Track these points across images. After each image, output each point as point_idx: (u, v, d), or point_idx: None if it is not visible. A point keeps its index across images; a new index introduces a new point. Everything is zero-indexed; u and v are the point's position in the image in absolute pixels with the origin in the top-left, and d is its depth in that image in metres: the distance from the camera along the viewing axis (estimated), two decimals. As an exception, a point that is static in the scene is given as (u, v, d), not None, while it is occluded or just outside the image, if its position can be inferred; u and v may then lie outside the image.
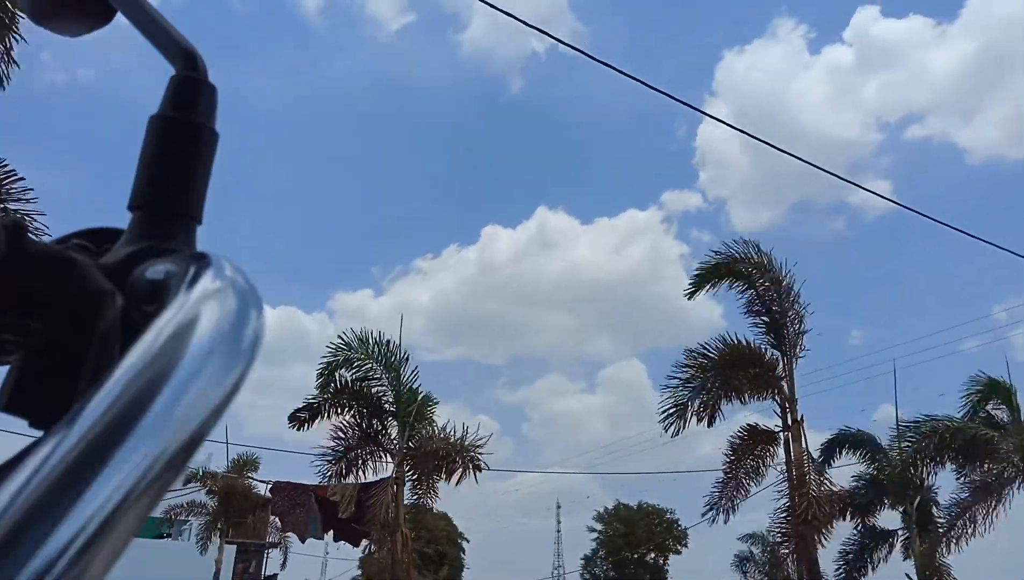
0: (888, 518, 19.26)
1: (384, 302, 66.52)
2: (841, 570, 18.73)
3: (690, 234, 78.83)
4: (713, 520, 15.91)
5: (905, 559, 18.73)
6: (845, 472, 18.37)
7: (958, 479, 16.89)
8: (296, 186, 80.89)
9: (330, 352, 16.11)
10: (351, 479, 16.04)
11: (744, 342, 15.31)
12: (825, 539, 14.74)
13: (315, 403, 15.90)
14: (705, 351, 15.34)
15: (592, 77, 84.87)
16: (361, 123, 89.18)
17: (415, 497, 16.00)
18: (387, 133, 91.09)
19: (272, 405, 60.53)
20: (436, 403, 16.69)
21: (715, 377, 15.03)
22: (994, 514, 15.91)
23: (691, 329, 67.11)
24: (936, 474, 17.07)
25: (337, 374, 16.06)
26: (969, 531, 16.13)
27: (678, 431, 15.20)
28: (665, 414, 15.24)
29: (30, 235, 0.40)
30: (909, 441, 16.39)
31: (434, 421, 16.09)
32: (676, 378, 15.37)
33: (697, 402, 15.12)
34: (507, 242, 79.30)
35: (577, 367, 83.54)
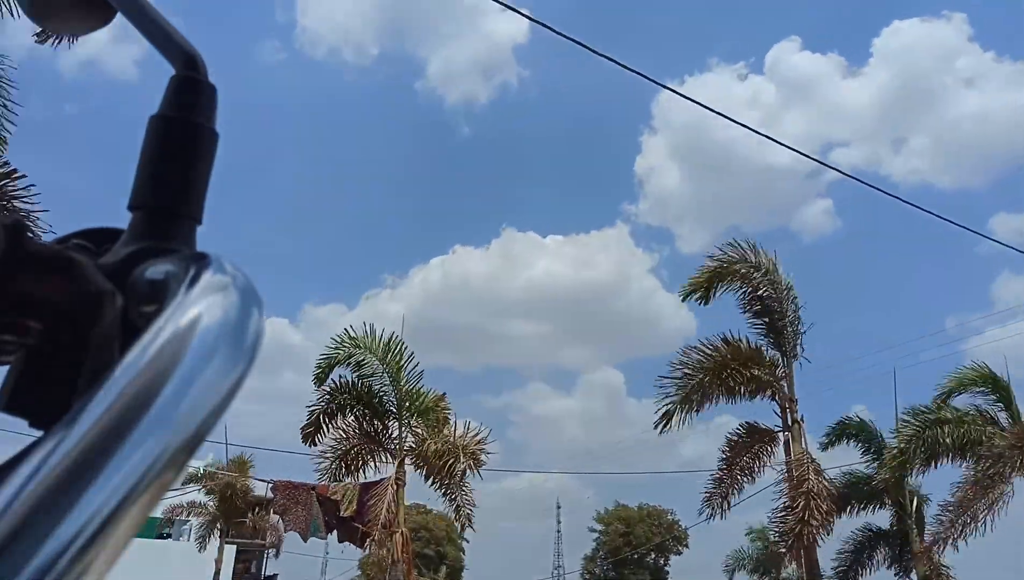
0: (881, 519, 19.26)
1: (357, 314, 67.37)
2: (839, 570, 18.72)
3: (652, 246, 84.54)
4: (710, 518, 15.82)
5: (890, 566, 18.70)
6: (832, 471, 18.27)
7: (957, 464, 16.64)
8: (282, 192, 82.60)
9: (333, 346, 15.93)
10: (350, 479, 15.94)
11: (745, 341, 15.31)
12: (823, 538, 14.72)
13: (317, 411, 15.63)
14: (703, 348, 15.29)
15: (544, 107, 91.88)
16: (319, 150, 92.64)
17: (450, 503, 15.56)
18: (356, 150, 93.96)
19: (268, 410, 61.10)
20: (443, 398, 16.30)
21: (712, 375, 14.90)
22: (994, 511, 15.50)
23: (665, 337, 68.47)
24: (925, 470, 16.75)
25: (338, 373, 15.99)
26: (967, 529, 15.72)
27: (662, 432, 15.09)
28: (659, 414, 15.10)
29: (30, 235, 0.40)
30: (909, 424, 16.19)
31: (448, 420, 15.78)
32: (670, 378, 15.20)
33: (687, 406, 14.96)
34: (478, 259, 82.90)
35: (556, 375, 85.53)
